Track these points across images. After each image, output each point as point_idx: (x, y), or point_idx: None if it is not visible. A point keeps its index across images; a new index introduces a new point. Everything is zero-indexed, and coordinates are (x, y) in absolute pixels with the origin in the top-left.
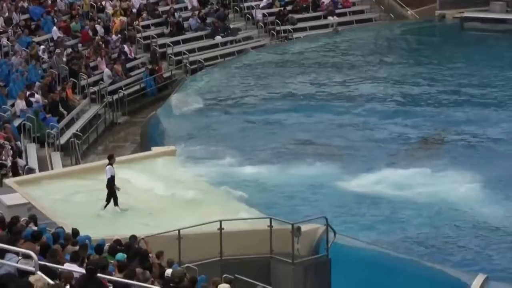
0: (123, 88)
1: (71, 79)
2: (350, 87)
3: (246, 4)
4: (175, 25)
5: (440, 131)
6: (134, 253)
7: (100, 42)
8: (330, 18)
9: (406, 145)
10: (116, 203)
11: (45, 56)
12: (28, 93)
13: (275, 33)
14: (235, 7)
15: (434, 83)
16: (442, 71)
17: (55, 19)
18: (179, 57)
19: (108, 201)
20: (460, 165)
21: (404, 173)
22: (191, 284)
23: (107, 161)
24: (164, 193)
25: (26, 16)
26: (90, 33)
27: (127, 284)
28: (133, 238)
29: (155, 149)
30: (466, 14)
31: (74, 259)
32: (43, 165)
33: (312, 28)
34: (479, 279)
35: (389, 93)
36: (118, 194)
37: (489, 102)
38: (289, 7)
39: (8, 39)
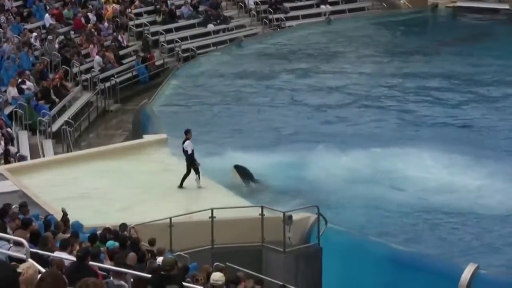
0: (115, 76)
1: (63, 66)
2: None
3: None
4: (167, 13)
5: None
6: (124, 241)
7: (92, 30)
8: (322, 6)
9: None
10: (199, 177)
11: (37, 43)
12: (19, 80)
13: (267, 22)
14: None
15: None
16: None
17: (47, 6)
18: (172, 45)
19: (198, 172)
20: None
21: (393, 160)
22: (183, 272)
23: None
24: (155, 181)
25: (19, 2)
26: (83, 20)
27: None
28: (123, 226)
29: (147, 137)
30: (459, 4)
31: (64, 246)
32: (35, 152)
33: (305, 16)
34: (470, 268)
35: (375, 84)
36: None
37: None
38: None
39: (0, 26)
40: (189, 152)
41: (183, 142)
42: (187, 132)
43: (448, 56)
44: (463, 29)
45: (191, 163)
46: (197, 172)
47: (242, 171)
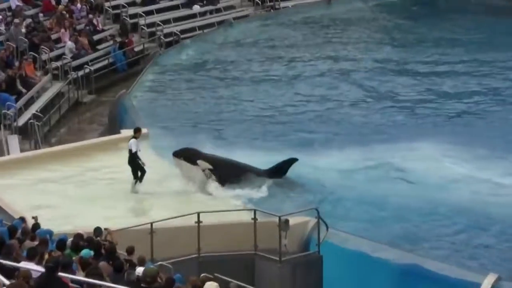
0: (89, 64)
1: (31, 53)
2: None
3: None
4: None
5: None
6: (98, 248)
7: (64, 12)
8: None
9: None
10: (141, 180)
11: (2, 27)
12: None
13: (260, 2)
14: None
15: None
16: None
17: None
18: (152, 29)
19: (136, 177)
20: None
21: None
22: (167, 284)
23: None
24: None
25: None
26: (53, 1)
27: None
28: (97, 230)
29: (125, 132)
30: None
31: (31, 256)
32: None
33: None
34: (490, 278)
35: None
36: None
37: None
38: None
39: None
40: (133, 150)
41: (129, 140)
42: (137, 130)
43: (460, 43)
44: (470, 11)
45: (134, 164)
46: (136, 176)
47: (185, 154)
